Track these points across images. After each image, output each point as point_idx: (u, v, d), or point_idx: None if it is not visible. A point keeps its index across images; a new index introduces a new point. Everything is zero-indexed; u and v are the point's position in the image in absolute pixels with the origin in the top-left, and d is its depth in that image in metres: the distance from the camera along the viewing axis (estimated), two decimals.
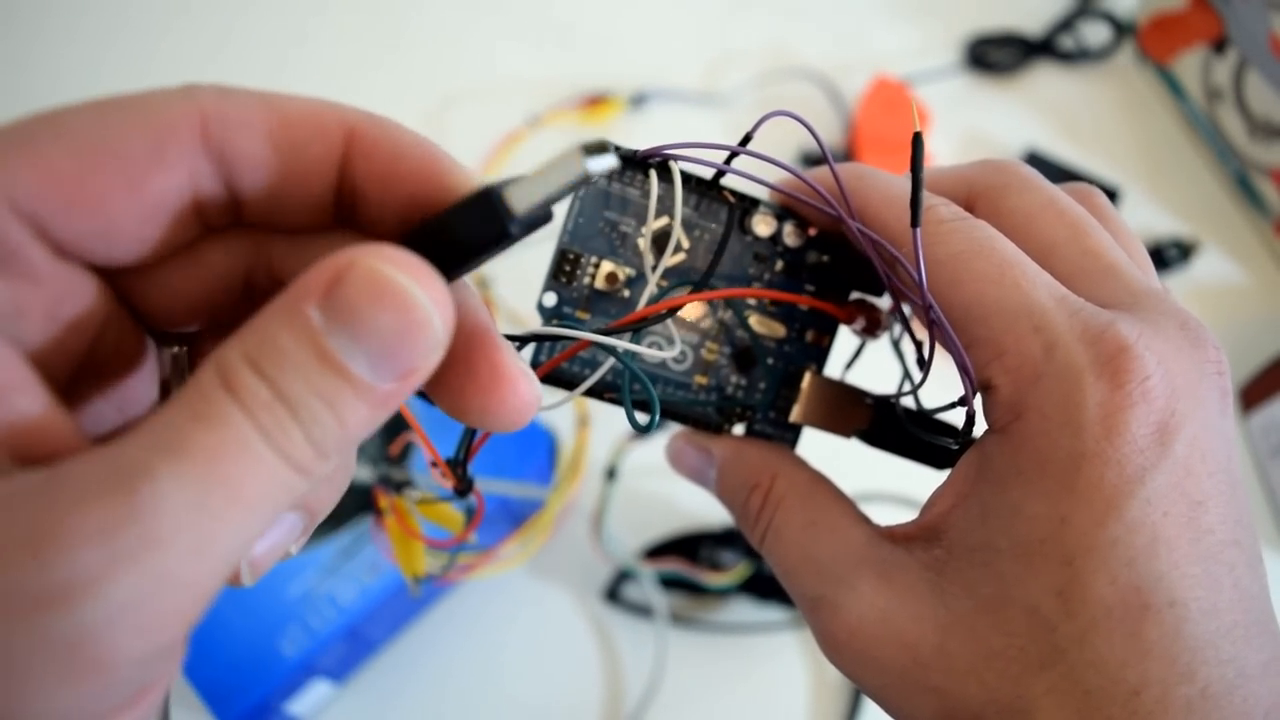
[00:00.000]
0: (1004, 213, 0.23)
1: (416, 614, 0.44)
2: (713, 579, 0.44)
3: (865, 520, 0.24)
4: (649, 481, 0.48)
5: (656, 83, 0.59)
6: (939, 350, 0.23)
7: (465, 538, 0.27)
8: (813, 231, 0.26)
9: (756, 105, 0.60)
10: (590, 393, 0.24)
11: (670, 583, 0.45)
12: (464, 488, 0.24)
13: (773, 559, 0.25)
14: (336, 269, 0.15)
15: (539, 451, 0.44)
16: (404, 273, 0.15)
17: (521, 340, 0.22)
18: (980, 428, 0.23)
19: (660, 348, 0.26)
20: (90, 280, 0.16)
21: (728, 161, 0.24)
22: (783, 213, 0.26)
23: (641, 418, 0.23)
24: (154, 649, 0.14)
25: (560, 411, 0.46)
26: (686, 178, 0.25)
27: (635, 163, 0.24)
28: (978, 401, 0.22)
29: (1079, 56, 0.62)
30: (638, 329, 0.23)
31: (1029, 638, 0.19)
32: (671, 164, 0.24)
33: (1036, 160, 0.58)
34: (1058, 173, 0.57)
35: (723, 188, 0.26)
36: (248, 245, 0.19)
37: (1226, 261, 0.57)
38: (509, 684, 0.44)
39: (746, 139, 0.23)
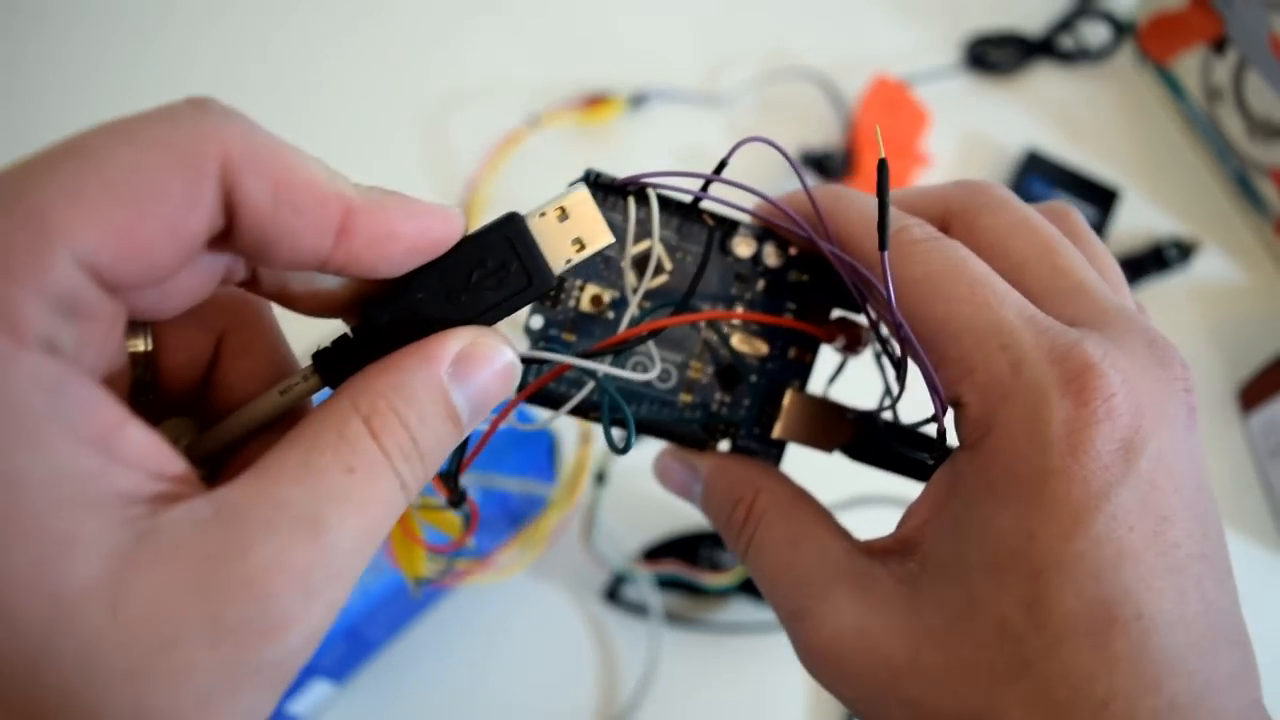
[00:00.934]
0: (977, 231, 0.23)
1: (416, 614, 0.44)
2: (711, 579, 0.44)
3: (845, 534, 0.25)
4: (650, 482, 0.48)
5: (656, 83, 0.59)
6: (915, 367, 0.23)
7: (463, 542, 0.28)
8: (793, 251, 0.27)
9: (756, 105, 0.60)
10: (575, 411, 0.25)
11: (670, 582, 0.45)
12: (457, 499, 0.25)
13: (755, 572, 0.26)
14: (462, 346, 0.19)
15: (539, 449, 0.44)
16: (510, 351, 0.20)
17: None
18: (953, 444, 0.23)
19: (644, 368, 0.26)
20: (121, 305, 0.18)
21: (704, 188, 0.25)
22: (763, 233, 0.27)
23: (619, 436, 0.24)
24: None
25: (563, 423, 0.45)
26: (665, 202, 0.26)
27: (615, 189, 0.25)
28: (949, 418, 0.22)
29: (1079, 56, 0.62)
30: (619, 351, 0.24)
31: (998, 650, 0.20)
32: (649, 190, 0.25)
33: (1036, 160, 0.58)
34: (1058, 173, 0.57)
35: (702, 211, 0.26)
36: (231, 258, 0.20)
37: (1226, 261, 0.57)
38: (509, 684, 0.44)
39: (721, 166, 0.24)
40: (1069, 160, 0.58)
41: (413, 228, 0.19)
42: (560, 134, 0.57)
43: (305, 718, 0.41)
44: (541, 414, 0.25)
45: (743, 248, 0.27)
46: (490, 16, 0.62)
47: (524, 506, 0.43)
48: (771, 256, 0.27)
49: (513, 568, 0.33)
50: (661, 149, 0.58)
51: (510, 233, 0.20)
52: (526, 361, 0.24)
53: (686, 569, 0.44)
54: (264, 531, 0.16)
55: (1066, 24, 0.63)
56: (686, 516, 0.47)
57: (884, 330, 0.26)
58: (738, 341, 0.27)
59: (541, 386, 0.24)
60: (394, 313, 0.20)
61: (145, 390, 0.21)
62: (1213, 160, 0.60)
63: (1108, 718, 0.19)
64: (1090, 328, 0.21)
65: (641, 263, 0.26)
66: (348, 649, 0.40)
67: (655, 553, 0.45)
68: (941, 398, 0.22)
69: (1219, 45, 0.56)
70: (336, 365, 0.20)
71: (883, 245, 0.21)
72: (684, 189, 0.25)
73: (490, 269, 0.20)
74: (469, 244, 0.20)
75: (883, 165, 0.21)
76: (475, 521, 0.27)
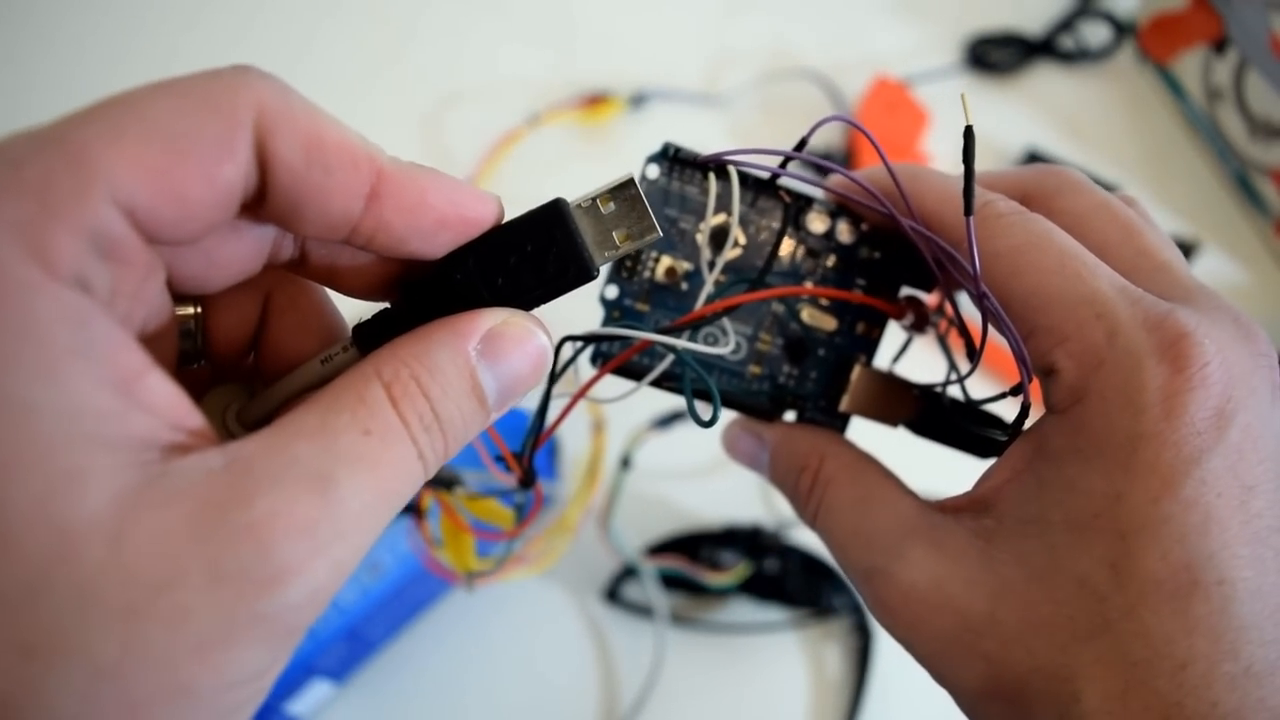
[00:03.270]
0: (1056, 212, 0.23)
1: (416, 614, 0.44)
2: (713, 579, 0.44)
3: (913, 495, 0.25)
4: (650, 483, 0.48)
5: (656, 83, 0.59)
6: (987, 344, 0.23)
7: (516, 533, 0.28)
8: (865, 227, 0.27)
9: (756, 105, 0.60)
10: (654, 384, 0.26)
11: (670, 583, 0.45)
12: (528, 478, 0.26)
13: (825, 535, 0.26)
14: (493, 324, 0.19)
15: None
16: (544, 335, 0.20)
17: (585, 340, 0.24)
18: (1034, 415, 0.23)
19: (715, 341, 0.27)
20: (158, 256, 0.18)
21: (782, 165, 0.25)
22: (837, 210, 0.27)
23: (702, 409, 0.24)
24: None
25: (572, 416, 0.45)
26: (744, 178, 0.26)
27: (696, 165, 0.26)
28: (1024, 393, 0.23)
29: (1079, 56, 0.62)
30: (698, 326, 0.25)
31: (1078, 607, 0.20)
32: (729, 167, 0.26)
33: (1037, 160, 0.58)
34: None
35: (779, 187, 0.27)
36: (278, 233, 0.20)
37: (1226, 261, 0.57)
38: (509, 684, 0.44)
39: (802, 144, 0.24)
40: (1069, 160, 0.58)
41: (445, 200, 0.19)
42: (560, 133, 0.57)
43: (305, 718, 0.41)
44: (622, 386, 0.26)
45: (817, 224, 0.27)
46: (491, 15, 0.62)
47: (526, 502, 0.42)
48: (845, 233, 0.27)
49: (544, 560, 0.34)
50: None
51: (553, 220, 0.20)
52: (604, 339, 0.25)
53: (689, 565, 0.44)
54: (271, 483, 0.16)
55: (1067, 24, 0.63)
56: (687, 519, 0.47)
57: (957, 304, 0.27)
58: (807, 316, 0.28)
59: (627, 359, 0.25)
60: (431, 291, 0.20)
61: (195, 358, 0.21)
62: (1213, 160, 0.60)
63: (1185, 680, 0.19)
64: (1178, 303, 0.21)
65: (717, 236, 0.26)
66: (348, 649, 0.40)
67: (657, 551, 0.45)
68: (1029, 365, 0.22)
69: (1219, 45, 0.56)
70: (375, 338, 0.20)
71: (968, 210, 0.21)
72: (763, 165, 0.25)
73: (530, 255, 0.20)
74: (510, 228, 0.20)
75: (969, 131, 0.21)
76: (539, 505, 0.27)
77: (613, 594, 0.45)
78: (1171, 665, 0.19)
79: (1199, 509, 0.19)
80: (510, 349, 0.19)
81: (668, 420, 0.44)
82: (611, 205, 0.21)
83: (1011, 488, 0.22)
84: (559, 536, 0.35)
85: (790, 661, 0.46)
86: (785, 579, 0.45)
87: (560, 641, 0.45)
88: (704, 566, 0.44)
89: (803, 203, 0.27)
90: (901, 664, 0.45)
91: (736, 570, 0.44)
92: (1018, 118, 0.61)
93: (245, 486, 0.16)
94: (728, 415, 0.29)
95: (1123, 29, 0.63)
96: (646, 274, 0.26)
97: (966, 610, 0.22)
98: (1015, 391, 0.23)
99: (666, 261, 0.26)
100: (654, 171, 0.27)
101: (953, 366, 0.28)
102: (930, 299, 0.28)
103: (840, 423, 0.28)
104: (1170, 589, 0.19)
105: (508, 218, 0.21)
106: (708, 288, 0.25)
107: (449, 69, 0.60)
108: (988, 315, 0.22)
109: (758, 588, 0.45)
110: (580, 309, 0.26)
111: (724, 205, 0.26)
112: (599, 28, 0.62)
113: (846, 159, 0.57)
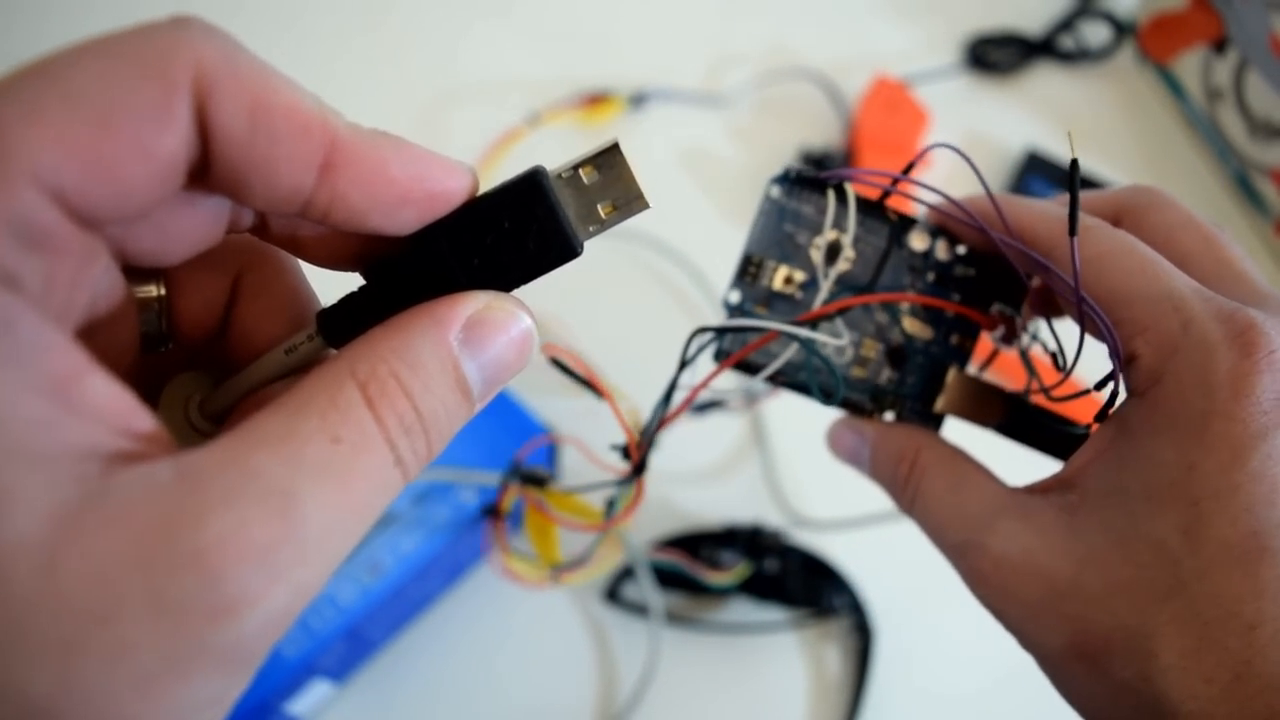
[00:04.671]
0: (1146, 227, 0.26)
1: (416, 614, 0.44)
2: (713, 578, 0.44)
3: (1001, 480, 0.27)
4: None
5: (656, 82, 0.59)
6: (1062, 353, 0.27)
7: (616, 523, 0.30)
8: (961, 249, 0.30)
9: (757, 105, 0.60)
10: (770, 378, 0.29)
11: (670, 582, 0.45)
12: (640, 466, 0.27)
13: (921, 518, 0.28)
14: (475, 309, 0.18)
15: (539, 449, 0.44)
16: (528, 318, 0.19)
17: (718, 331, 0.26)
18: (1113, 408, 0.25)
19: (835, 335, 0.30)
20: (97, 238, 0.16)
21: (892, 186, 0.28)
22: (936, 230, 0.30)
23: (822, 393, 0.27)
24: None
25: (573, 415, 0.45)
26: (856, 197, 0.29)
27: (815, 183, 0.28)
28: (1115, 380, 0.25)
29: (1079, 56, 0.62)
30: (815, 324, 0.28)
31: (1155, 570, 0.22)
32: (846, 186, 0.28)
33: (1037, 160, 0.58)
34: (1058, 173, 0.57)
35: (885, 207, 0.29)
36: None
37: None
38: (509, 684, 0.44)
39: (909, 167, 0.27)
40: (1069, 160, 0.58)
41: (409, 173, 0.17)
42: (560, 132, 0.57)
43: (305, 718, 0.41)
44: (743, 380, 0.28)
45: (917, 242, 0.29)
46: (491, 14, 0.62)
47: (614, 500, 0.43)
48: (942, 251, 0.30)
49: (604, 564, 0.35)
50: (662, 149, 0.58)
51: (531, 193, 0.19)
52: (735, 330, 0.27)
53: (688, 561, 0.44)
54: (224, 501, 0.14)
55: (1067, 24, 0.63)
56: (687, 519, 0.47)
57: (1050, 320, 0.30)
58: (907, 324, 0.30)
59: (747, 355, 0.28)
60: (401, 272, 0.19)
61: (161, 341, 0.19)
62: (1213, 160, 0.60)
63: (1254, 640, 0.20)
64: (1250, 305, 0.23)
65: (830, 250, 0.29)
66: (348, 649, 0.40)
67: (658, 549, 0.45)
68: (1120, 354, 0.24)
69: (1219, 45, 0.56)
70: (341, 326, 0.19)
71: (1072, 230, 0.24)
72: (874, 183, 0.28)
73: (508, 232, 0.18)
74: (485, 203, 0.19)
75: (1074, 164, 0.24)
76: (639, 496, 0.29)
77: (613, 594, 0.45)
78: (1241, 625, 0.20)
79: (1266, 480, 0.21)
80: (494, 336, 0.18)
81: (702, 408, 0.44)
82: (596, 175, 0.19)
83: (1094, 466, 0.24)
84: (614, 543, 0.36)
85: (790, 661, 0.46)
86: (785, 579, 0.45)
87: (560, 641, 0.45)
88: (704, 566, 0.44)
89: (906, 222, 0.29)
90: (902, 664, 0.46)
91: (736, 570, 0.44)
92: (1018, 118, 0.61)
93: (195, 504, 0.14)
94: (831, 414, 0.31)
95: (1123, 29, 0.63)
96: (765, 281, 0.29)
97: (1054, 576, 0.23)
98: (1100, 386, 0.25)
99: (784, 271, 0.29)
100: (776, 191, 0.28)
101: (1034, 375, 0.30)
102: (1019, 316, 0.31)
103: (935, 423, 0.31)
104: (1239, 553, 0.21)
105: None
106: (823, 293, 0.28)
107: (449, 67, 0.60)
108: (1084, 319, 0.25)
109: (758, 588, 0.45)
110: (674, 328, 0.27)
111: (837, 222, 0.28)
112: (599, 27, 0.62)
113: (847, 159, 0.57)
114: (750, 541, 0.45)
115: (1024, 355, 0.31)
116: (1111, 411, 0.25)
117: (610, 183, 0.19)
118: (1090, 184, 0.57)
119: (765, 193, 0.28)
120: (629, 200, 0.19)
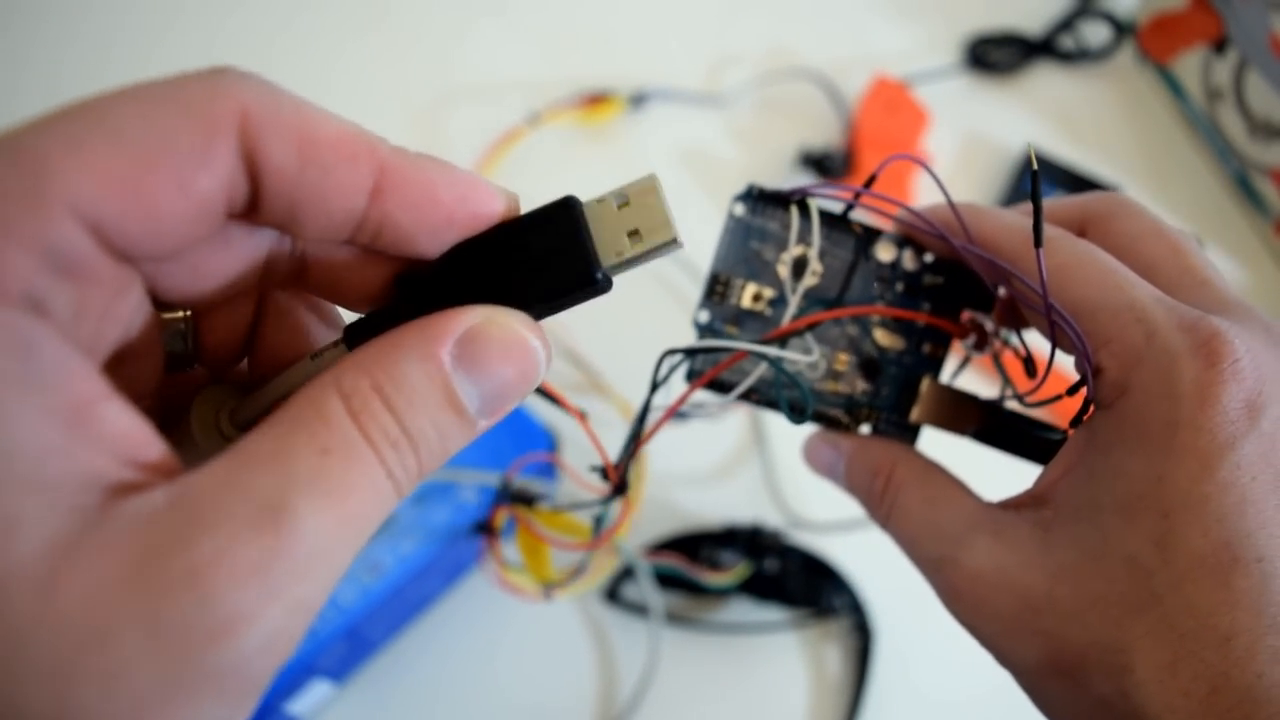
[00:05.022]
0: (1112, 234, 0.26)
1: (416, 614, 0.44)
2: (713, 579, 0.44)
3: (976, 495, 0.27)
4: (651, 483, 0.48)
5: (656, 82, 0.59)
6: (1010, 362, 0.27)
7: (604, 541, 0.29)
8: (928, 258, 0.30)
9: (756, 105, 0.60)
10: (741, 396, 0.29)
11: (670, 582, 0.45)
12: (620, 487, 0.27)
13: (896, 532, 0.28)
14: (471, 324, 0.17)
15: (539, 449, 0.44)
16: (534, 336, 0.18)
17: (686, 352, 0.26)
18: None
19: (806, 352, 0.30)
20: (132, 272, 0.16)
21: (854, 200, 0.28)
22: (902, 240, 0.30)
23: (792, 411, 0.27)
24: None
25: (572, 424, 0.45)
26: (820, 212, 0.29)
27: (778, 200, 0.28)
28: (1088, 387, 0.24)
29: (1079, 56, 0.62)
30: (785, 341, 0.28)
31: (1128, 583, 0.21)
32: (810, 201, 0.28)
33: (1036, 160, 0.57)
34: (1058, 173, 0.57)
35: (850, 220, 0.29)
36: (271, 234, 0.19)
37: (1226, 261, 0.57)
38: (509, 684, 0.44)
39: (871, 180, 0.27)
40: (1069, 160, 0.58)
41: (455, 195, 0.18)
42: (560, 133, 0.57)
43: (305, 718, 0.41)
44: (714, 398, 0.29)
45: (884, 253, 0.30)
46: (491, 14, 0.62)
47: (603, 517, 0.43)
48: (910, 261, 0.30)
49: (599, 573, 0.35)
50: (662, 148, 0.58)
51: (562, 219, 0.19)
52: (703, 351, 0.27)
53: (688, 564, 0.44)
54: (216, 521, 0.14)
55: (1067, 24, 0.63)
56: (687, 519, 0.47)
57: (1019, 328, 0.30)
58: (879, 336, 0.30)
59: (717, 375, 0.28)
60: (427, 287, 0.19)
61: (186, 361, 0.20)
62: (1213, 160, 0.60)
63: (1230, 651, 0.20)
64: (1214, 313, 0.23)
65: (797, 266, 0.29)
66: (348, 649, 0.40)
67: (658, 550, 0.45)
68: (1091, 363, 0.24)
69: (1219, 45, 0.56)
70: (366, 337, 0.19)
71: (1038, 242, 0.23)
72: (837, 198, 0.28)
73: (534, 256, 0.18)
74: (516, 226, 0.19)
75: (1035, 175, 0.24)
76: (627, 514, 0.29)
77: (613, 594, 0.45)
78: (1216, 637, 0.20)
79: (1235, 490, 0.21)
80: (492, 353, 0.17)
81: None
82: (630, 208, 0.19)
83: (1065, 481, 0.24)
84: (607, 556, 0.36)
85: (790, 661, 0.46)
86: (785, 579, 0.45)
87: (561, 642, 0.45)
88: (704, 566, 0.44)
89: (872, 234, 0.29)
90: (901, 664, 0.46)
91: (736, 570, 0.44)
92: (1017, 118, 0.61)
93: (187, 527, 0.14)
94: (807, 429, 0.31)
95: (1123, 29, 0.63)
96: (734, 300, 0.29)
97: (1027, 591, 0.23)
98: (1072, 391, 0.25)
99: (753, 288, 0.29)
100: (740, 209, 0.29)
101: (1007, 382, 0.30)
102: (989, 322, 0.31)
103: (911, 434, 0.31)
104: (1212, 564, 0.20)
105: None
106: (792, 309, 0.28)
107: (449, 67, 0.60)
108: (1054, 328, 0.24)
109: (758, 588, 0.45)
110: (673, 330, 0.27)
111: (803, 237, 0.29)
112: (599, 27, 0.62)
113: (847, 159, 0.57)
114: (750, 542, 0.45)
115: (997, 361, 0.31)
116: (1086, 418, 0.25)
117: (643, 217, 0.19)
118: (1088, 183, 0.57)
119: (729, 211, 0.28)
120: (660, 237, 0.19)
